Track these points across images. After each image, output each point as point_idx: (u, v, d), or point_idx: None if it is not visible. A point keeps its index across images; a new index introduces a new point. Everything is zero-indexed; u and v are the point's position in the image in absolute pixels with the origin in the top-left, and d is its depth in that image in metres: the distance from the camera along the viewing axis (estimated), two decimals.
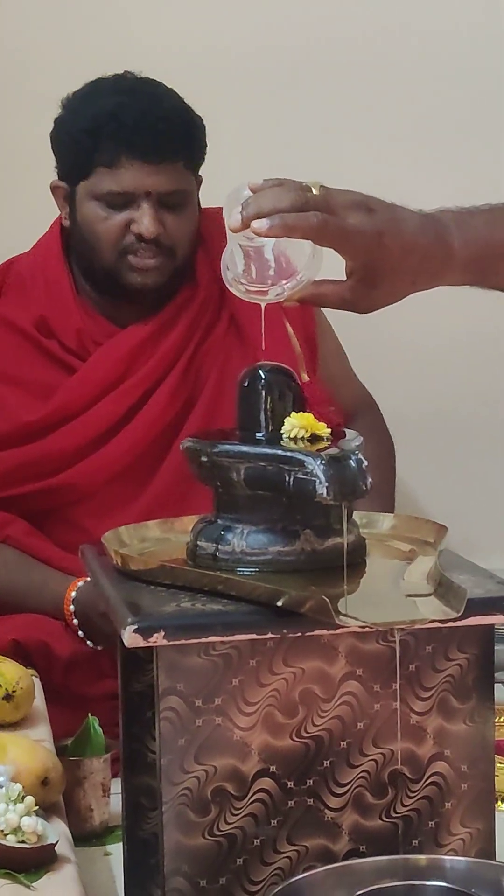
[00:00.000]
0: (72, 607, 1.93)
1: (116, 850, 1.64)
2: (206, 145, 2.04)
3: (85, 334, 2.05)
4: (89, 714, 1.75)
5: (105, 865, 1.66)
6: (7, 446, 2.03)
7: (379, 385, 2.41)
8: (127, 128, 1.95)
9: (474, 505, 2.63)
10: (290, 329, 2.06)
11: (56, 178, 2.05)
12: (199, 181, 2.05)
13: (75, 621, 1.93)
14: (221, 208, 2.16)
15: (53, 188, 2.06)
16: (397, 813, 1.25)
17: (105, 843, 1.69)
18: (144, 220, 1.96)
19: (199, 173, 2.06)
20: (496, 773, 1.72)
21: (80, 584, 1.94)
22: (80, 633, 1.94)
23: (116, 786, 1.60)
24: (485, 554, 1.88)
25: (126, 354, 2.04)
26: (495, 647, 2.14)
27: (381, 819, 1.25)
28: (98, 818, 1.70)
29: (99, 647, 1.95)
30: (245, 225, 1.27)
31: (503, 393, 2.65)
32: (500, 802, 1.73)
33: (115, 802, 1.64)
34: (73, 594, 1.94)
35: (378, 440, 2.21)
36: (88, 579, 1.93)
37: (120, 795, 1.48)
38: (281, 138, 2.53)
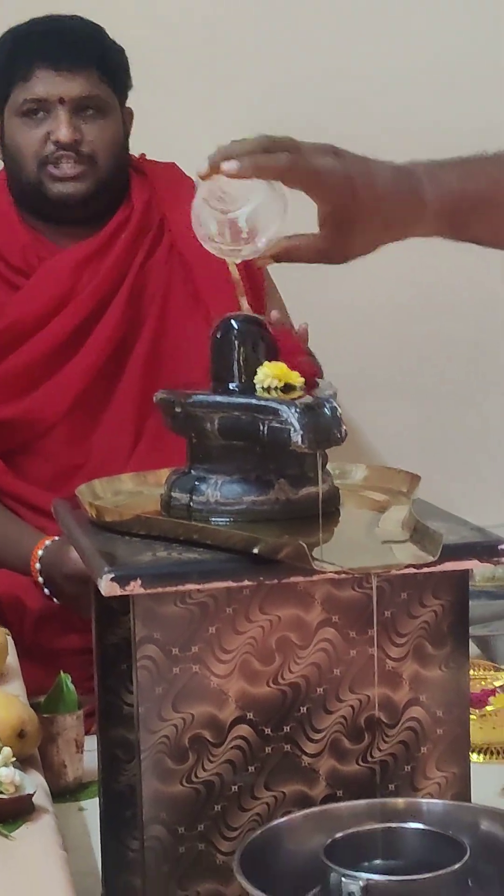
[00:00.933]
0: (38, 566, 1.94)
1: (91, 806, 1.65)
2: (127, 69, 2.12)
3: (30, 251, 2.11)
4: (61, 671, 1.75)
5: (80, 820, 1.67)
6: None
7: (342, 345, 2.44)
8: (37, 38, 2.05)
9: (446, 466, 2.64)
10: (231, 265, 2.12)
11: None
12: (128, 111, 2.13)
13: (40, 579, 1.94)
14: (171, 163, 2.22)
15: None
16: (374, 758, 1.25)
17: (79, 799, 1.70)
18: (61, 126, 2.04)
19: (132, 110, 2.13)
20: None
21: (48, 542, 1.95)
22: (45, 590, 1.95)
23: (90, 742, 1.60)
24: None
25: (71, 269, 2.09)
26: (472, 602, 2.19)
27: (357, 764, 1.25)
28: (72, 774, 1.71)
29: (64, 607, 1.95)
30: (213, 170, 1.27)
31: (469, 348, 2.66)
32: (473, 753, 1.75)
33: (89, 759, 1.65)
34: (40, 552, 1.95)
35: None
36: (56, 538, 1.94)
37: (94, 752, 1.48)
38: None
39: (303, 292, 2.37)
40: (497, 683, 1.88)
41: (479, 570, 2.39)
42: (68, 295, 2.09)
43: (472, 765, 1.72)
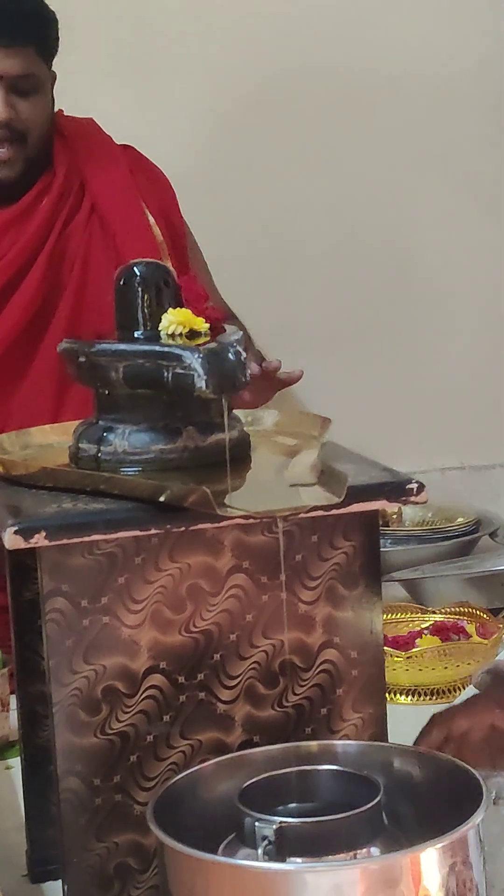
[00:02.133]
0: None
1: (17, 764, 1.64)
2: (57, 38, 2.08)
3: None
4: None
5: (7, 779, 1.66)
6: None
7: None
8: None
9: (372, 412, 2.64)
10: (151, 219, 2.11)
11: None
12: (53, 76, 2.10)
13: None
14: (87, 117, 2.19)
15: None
16: (289, 702, 1.25)
17: (6, 758, 1.69)
18: None
19: (54, 69, 2.09)
20: (393, 668, 1.75)
21: None
22: None
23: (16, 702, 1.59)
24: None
25: None
26: (398, 547, 2.19)
27: (273, 709, 1.25)
28: None
29: None
30: None
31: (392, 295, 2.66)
32: (397, 695, 1.76)
33: (15, 718, 1.64)
34: None
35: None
36: None
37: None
38: None
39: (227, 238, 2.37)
40: (424, 625, 1.89)
41: (409, 514, 2.40)
42: None
43: (400, 707, 1.75)
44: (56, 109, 2.17)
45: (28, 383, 2.09)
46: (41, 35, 2.04)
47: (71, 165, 2.14)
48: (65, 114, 2.21)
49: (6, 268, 2.07)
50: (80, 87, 2.25)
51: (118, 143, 2.23)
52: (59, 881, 1.27)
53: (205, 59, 2.51)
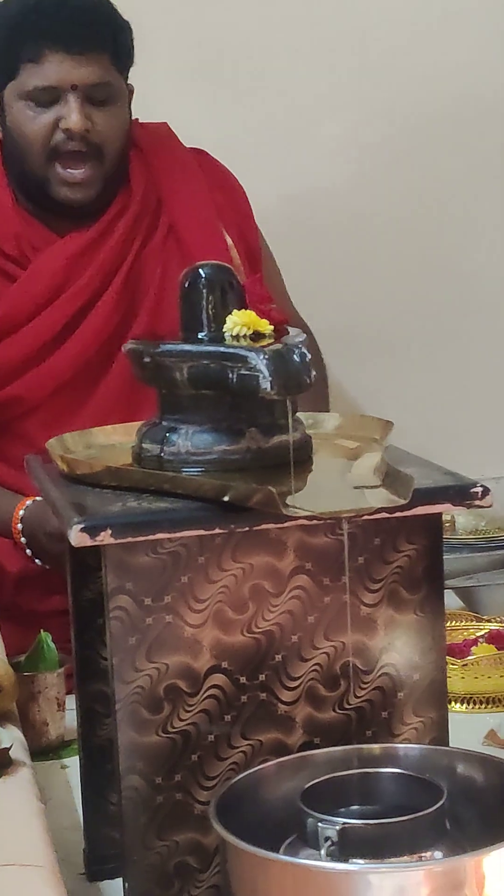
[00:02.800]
0: (19, 526, 1.92)
1: (73, 763, 1.64)
2: (132, 49, 2.01)
3: (23, 240, 2.02)
4: (41, 630, 1.75)
5: (62, 778, 1.66)
6: None
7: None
8: (48, 19, 1.92)
9: (431, 422, 2.64)
10: (229, 240, 2.06)
11: None
12: (130, 89, 2.02)
13: (23, 540, 1.92)
14: (162, 123, 2.17)
15: None
16: (350, 705, 1.25)
17: (61, 757, 1.70)
18: (72, 114, 1.92)
19: (131, 83, 2.02)
20: (449, 675, 1.75)
21: (29, 502, 1.93)
22: (28, 551, 1.93)
23: (72, 702, 1.60)
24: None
25: (66, 261, 2.01)
26: (451, 556, 2.18)
27: (334, 711, 1.25)
28: (54, 732, 1.70)
29: (47, 567, 1.94)
30: None
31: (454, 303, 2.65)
32: (452, 703, 1.75)
33: (71, 718, 1.65)
34: (21, 513, 1.92)
35: (314, 365, 2.19)
36: (38, 499, 1.92)
37: (75, 710, 1.48)
38: None
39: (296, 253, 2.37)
40: (479, 634, 1.88)
41: (462, 523, 2.39)
42: (60, 288, 2.01)
43: (455, 715, 1.74)
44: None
45: (93, 403, 2.02)
46: (116, 42, 1.97)
47: (148, 183, 2.06)
48: (140, 122, 2.13)
49: (80, 292, 2.01)
50: (151, 92, 2.22)
51: (190, 148, 2.15)
52: (116, 880, 1.28)
53: (278, 63, 2.51)
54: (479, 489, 1.23)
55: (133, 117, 2.05)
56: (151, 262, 2.05)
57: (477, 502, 1.23)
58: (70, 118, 1.93)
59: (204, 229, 2.06)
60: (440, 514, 1.25)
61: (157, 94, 2.20)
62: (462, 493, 1.23)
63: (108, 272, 2.02)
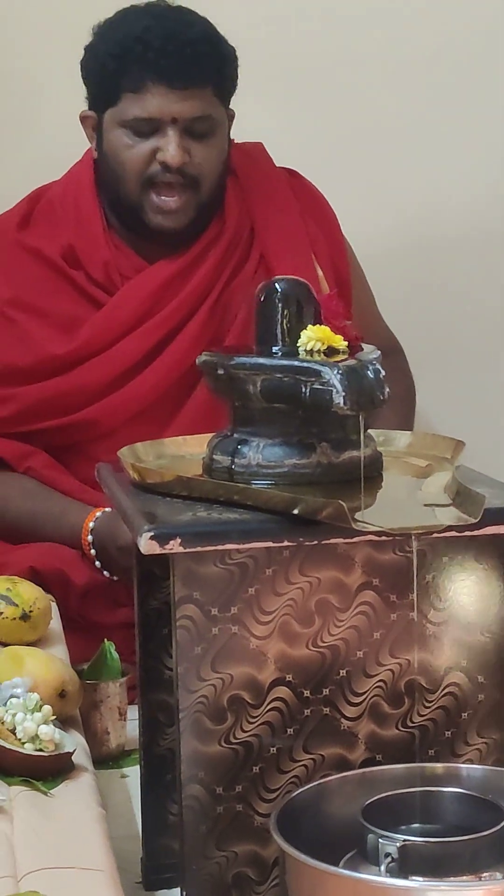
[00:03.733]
0: (89, 537, 1.93)
1: (133, 773, 1.65)
2: (236, 76, 1.99)
3: (112, 267, 2.02)
4: (105, 640, 1.76)
5: (122, 787, 1.67)
6: (32, 380, 2.00)
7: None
8: (153, 51, 1.91)
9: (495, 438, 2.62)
10: (320, 272, 2.05)
11: (87, 108, 2.01)
12: (230, 115, 2.01)
13: (92, 551, 1.93)
14: (257, 143, 2.15)
15: (83, 118, 2.02)
16: (413, 723, 1.25)
17: (121, 766, 1.71)
18: (170, 147, 1.92)
19: (232, 108, 2.01)
20: None
21: (99, 514, 1.94)
22: (97, 563, 1.94)
23: (133, 712, 1.60)
24: None
25: (154, 290, 2.00)
26: None
27: (397, 729, 1.25)
28: (115, 741, 1.71)
29: (115, 578, 1.95)
30: None
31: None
32: None
33: (132, 728, 1.66)
34: (91, 524, 1.93)
35: (401, 383, 2.19)
36: (108, 510, 1.92)
37: (137, 721, 1.48)
38: None
39: None
40: None
41: None
42: (146, 315, 2.01)
43: None
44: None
45: (171, 432, 1.95)
46: (219, 75, 1.96)
47: (242, 211, 2.06)
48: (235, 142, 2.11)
49: (165, 320, 2.00)
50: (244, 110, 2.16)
51: (282, 168, 2.14)
52: (173, 889, 1.28)
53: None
54: None
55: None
56: (240, 293, 2.03)
57: None
58: (168, 150, 1.93)
59: (295, 259, 2.04)
60: None
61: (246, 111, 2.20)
62: None
63: (196, 302, 2.01)
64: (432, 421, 2.54)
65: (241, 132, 2.10)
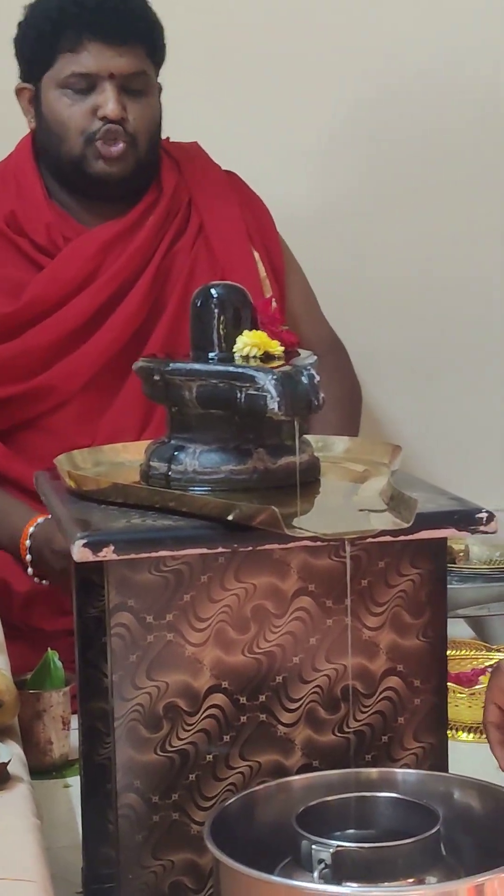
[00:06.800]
0: (28, 542, 1.92)
1: (76, 783, 1.64)
2: (164, 47, 2.08)
3: (54, 230, 2.07)
4: (48, 649, 1.75)
5: (65, 797, 1.66)
6: None
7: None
8: (89, 10, 1.99)
9: (447, 449, 2.63)
10: (256, 255, 2.09)
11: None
12: (159, 86, 2.09)
13: (28, 557, 1.92)
14: (192, 142, 2.19)
15: (18, 91, 2.08)
16: (350, 728, 1.24)
17: (65, 776, 1.70)
18: (109, 102, 1.99)
19: (161, 85, 2.09)
20: (455, 704, 1.74)
21: (41, 520, 1.93)
22: (29, 569, 1.93)
23: (76, 721, 1.59)
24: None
25: (96, 251, 2.06)
26: (464, 585, 2.18)
27: (334, 734, 1.24)
28: (58, 751, 1.70)
29: (53, 586, 1.94)
30: None
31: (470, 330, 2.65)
32: (459, 732, 1.74)
33: (76, 737, 1.64)
34: (31, 529, 1.93)
35: (343, 381, 2.21)
36: (50, 517, 1.92)
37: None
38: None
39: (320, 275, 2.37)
40: (488, 663, 1.87)
41: (476, 553, 2.38)
42: (91, 276, 2.05)
43: (461, 744, 1.73)
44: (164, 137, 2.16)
45: (120, 400, 2.06)
46: (151, 36, 2.05)
47: (179, 185, 2.13)
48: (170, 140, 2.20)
49: (109, 282, 2.05)
50: (182, 113, 2.24)
51: (223, 169, 2.22)
52: None
53: (306, 87, 2.52)
54: (484, 515, 1.22)
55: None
56: (181, 259, 2.10)
57: (482, 528, 1.22)
58: (107, 105, 2.00)
59: (233, 236, 2.12)
60: (445, 539, 1.25)
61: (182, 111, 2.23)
62: (467, 519, 1.22)
63: (138, 265, 2.07)
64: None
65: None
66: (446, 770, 1.26)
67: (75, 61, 2.00)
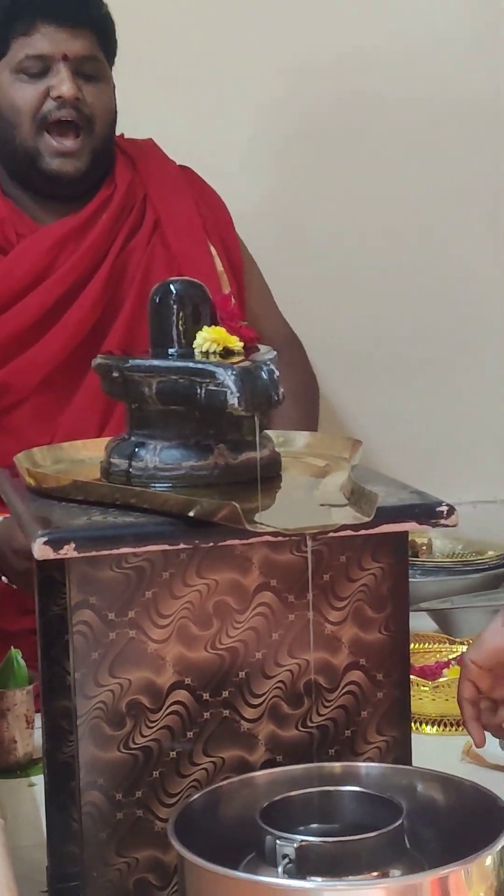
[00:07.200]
0: None
1: (40, 782, 1.63)
2: (116, 42, 2.09)
3: (7, 225, 2.06)
4: (11, 647, 1.74)
5: (29, 796, 1.66)
6: None
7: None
8: None
9: (426, 445, 2.64)
10: (213, 249, 2.09)
11: None
12: (113, 84, 2.09)
13: None
14: (147, 139, 2.19)
15: None
16: (313, 722, 1.25)
17: (29, 775, 1.69)
18: (63, 83, 2.00)
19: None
20: (419, 697, 1.75)
21: (1, 518, 1.92)
22: None
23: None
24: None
25: (51, 247, 2.05)
26: (427, 579, 2.18)
27: (297, 729, 1.24)
28: (22, 750, 1.70)
29: (14, 586, 1.93)
30: None
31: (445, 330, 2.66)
32: (423, 725, 1.75)
33: (40, 736, 1.64)
34: None
35: (300, 377, 2.22)
36: (9, 516, 1.91)
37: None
38: None
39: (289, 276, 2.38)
40: (451, 656, 1.87)
41: (439, 546, 2.39)
42: (45, 272, 2.05)
43: (426, 737, 1.74)
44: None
45: (79, 397, 2.05)
46: (102, 24, 2.05)
47: (133, 179, 2.13)
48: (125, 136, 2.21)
49: (63, 278, 2.04)
50: (136, 109, 2.24)
51: (178, 165, 2.22)
52: None
53: (265, 84, 2.52)
54: (445, 508, 1.23)
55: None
56: (137, 255, 2.10)
57: (443, 521, 1.23)
58: (62, 86, 2.00)
59: (189, 231, 2.12)
60: (406, 533, 1.25)
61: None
62: (427, 512, 1.23)
63: (94, 260, 2.07)
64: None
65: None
66: (410, 763, 1.27)
67: (29, 44, 2.00)
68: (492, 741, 1.55)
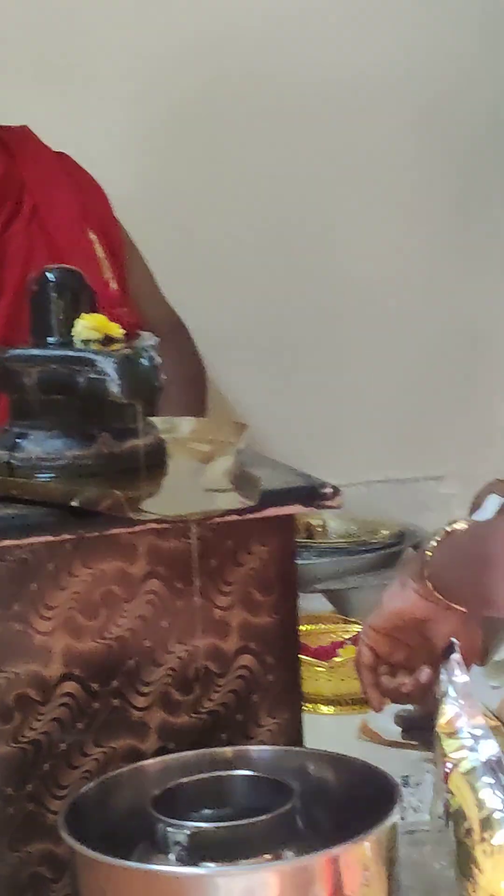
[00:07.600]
0: None
1: None
2: None
3: None
4: None
5: None
6: None
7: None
8: None
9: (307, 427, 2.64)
10: (92, 235, 2.08)
11: None
12: None
13: None
14: (23, 125, 2.17)
15: None
16: (205, 708, 1.24)
17: None
18: None
19: None
20: (315, 678, 1.75)
21: None
22: None
23: None
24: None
25: None
26: (323, 559, 2.19)
27: (188, 716, 1.24)
28: None
29: None
30: None
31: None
32: (319, 705, 1.76)
33: None
34: None
35: (186, 362, 2.22)
36: None
37: None
38: None
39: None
40: (346, 636, 1.88)
41: (334, 527, 2.40)
42: None
43: (323, 718, 1.75)
44: None
45: None
46: None
47: (9, 168, 2.11)
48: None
49: None
50: (9, 96, 2.22)
51: (54, 151, 2.19)
52: None
53: (138, 67, 2.50)
54: (329, 490, 1.23)
55: None
56: (16, 243, 2.08)
57: (327, 503, 1.23)
58: None
59: (67, 219, 2.10)
60: (292, 516, 1.26)
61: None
62: (312, 494, 1.23)
63: None
64: None
65: None
66: (301, 744, 1.27)
67: None
68: (387, 718, 1.56)
